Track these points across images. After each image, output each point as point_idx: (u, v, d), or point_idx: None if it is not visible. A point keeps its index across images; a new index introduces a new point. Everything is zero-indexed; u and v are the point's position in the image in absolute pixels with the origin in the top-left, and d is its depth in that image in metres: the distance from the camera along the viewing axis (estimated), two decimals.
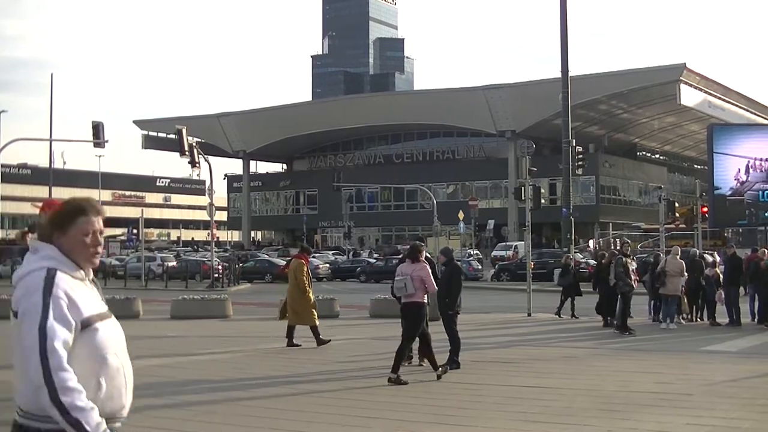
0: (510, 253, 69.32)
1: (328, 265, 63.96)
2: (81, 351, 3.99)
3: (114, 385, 4.08)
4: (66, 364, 3.88)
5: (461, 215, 69.07)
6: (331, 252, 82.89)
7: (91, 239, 4.20)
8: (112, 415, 4.10)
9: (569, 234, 47.80)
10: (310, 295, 19.70)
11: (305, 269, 19.75)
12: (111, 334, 4.16)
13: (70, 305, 3.99)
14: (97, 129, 42.91)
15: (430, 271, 15.22)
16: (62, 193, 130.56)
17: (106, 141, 43.48)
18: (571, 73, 49.62)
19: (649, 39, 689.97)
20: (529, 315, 28.45)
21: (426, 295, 15.03)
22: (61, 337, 3.91)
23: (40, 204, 9.11)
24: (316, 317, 19.64)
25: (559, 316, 28.15)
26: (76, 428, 3.84)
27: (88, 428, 3.83)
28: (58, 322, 3.92)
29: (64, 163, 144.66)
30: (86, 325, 4.02)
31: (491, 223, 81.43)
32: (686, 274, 25.67)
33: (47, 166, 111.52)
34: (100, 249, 4.26)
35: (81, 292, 4.11)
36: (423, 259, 15.44)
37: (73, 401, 3.84)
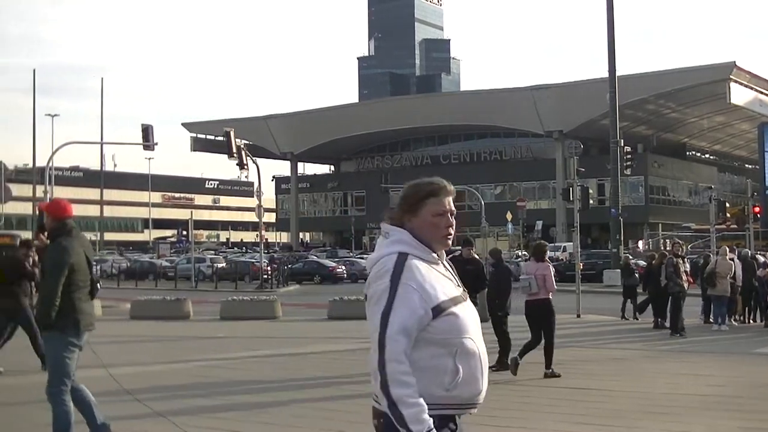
0: (561, 254, 68.85)
1: None
2: (436, 336, 3.89)
3: (470, 369, 3.99)
4: (403, 356, 3.80)
5: (509, 216, 68.89)
6: None
7: (442, 220, 4.11)
8: (469, 401, 4.05)
9: (618, 235, 47.57)
10: None
11: None
12: (466, 317, 4.02)
13: (421, 291, 3.88)
14: (147, 132, 43.28)
15: (552, 270, 15.51)
16: (113, 195, 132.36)
17: (156, 143, 43.82)
18: (618, 73, 49.42)
19: (698, 37, 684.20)
20: (578, 316, 28.33)
21: (550, 294, 15.42)
22: (405, 324, 3.82)
23: (45, 203, 9.18)
24: None
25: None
26: (398, 422, 3.78)
27: (410, 426, 3.75)
28: (403, 309, 3.84)
29: (115, 165, 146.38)
30: (440, 311, 3.91)
31: (539, 224, 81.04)
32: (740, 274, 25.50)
33: (98, 168, 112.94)
34: (452, 230, 4.14)
35: (434, 276, 3.99)
36: (547, 258, 15.73)
37: (401, 394, 3.77)
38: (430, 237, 4.08)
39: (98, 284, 9.24)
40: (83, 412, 8.78)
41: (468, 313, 4.05)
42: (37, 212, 36.21)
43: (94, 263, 9.36)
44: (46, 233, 9.18)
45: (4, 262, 15.90)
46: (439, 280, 4.01)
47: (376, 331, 3.87)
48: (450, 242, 4.17)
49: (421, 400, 3.79)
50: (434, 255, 4.08)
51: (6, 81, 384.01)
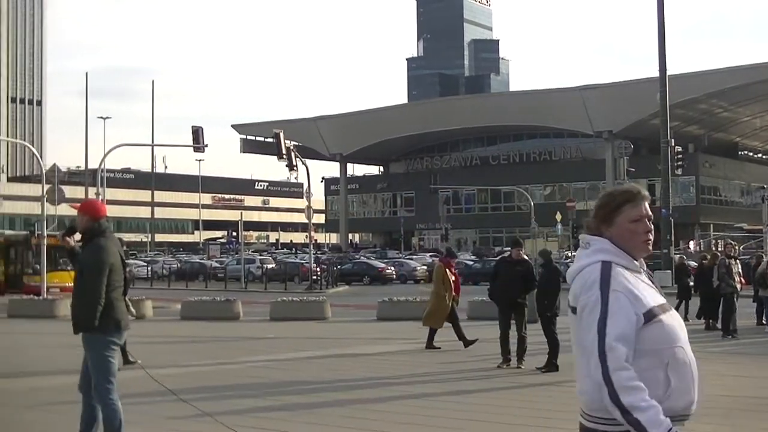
0: None
1: (425, 267, 63.98)
2: (646, 345, 3.81)
3: (682, 379, 3.88)
4: (625, 362, 3.73)
5: (559, 217, 68.60)
6: (428, 254, 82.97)
7: (640, 226, 4.03)
8: (682, 412, 3.94)
9: (669, 235, 47.20)
10: (446, 299, 19.51)
11: (442, 273, 19.69)
12: (675, 325, 3.93)
13: (632, 297, 3.83)
14: (197, 134, 43.49)
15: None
16: (164, 197, 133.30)
17: (206, 145, 44.02)
18: (668, 72, 49.03)
19: (749, 35, 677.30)
20: None
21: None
22: (622, 332, 3.76)
23: (80, 204, 9.12)
24: (439, 322, 19.47)
25: (687, 320, 27.54)
26: (636, 428, 3.71)
27: (650, 430, 3.68)
28: (618, 316, 3.77)
29: (166, 167, 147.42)
30: (650, 318, 3.83)
31: None
32: None
33: (149, 170, 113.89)
34: (651, 235, 4.06)
35: (639, 283, 3.94)
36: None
37: (632, 401, 3.70)
38: (630, 244, 4.02)
39: (130, 283, 9.15)
40: (85, 424, 8.68)
41: (676, 322, 3.97)
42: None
43: (142, 264, 9.28)
44: (75, 235, 9.12)
45: None
46: (646, 287, 3.96)
47: (593, 343, 3.79)
48: (650, 248, 4.10)
49: (654, 402, 3.73)
50: (636, 263, 4.03)
51: (59, 85, 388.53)
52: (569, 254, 69.01)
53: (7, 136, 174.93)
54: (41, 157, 45.00)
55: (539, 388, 14.03)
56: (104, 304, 8.45)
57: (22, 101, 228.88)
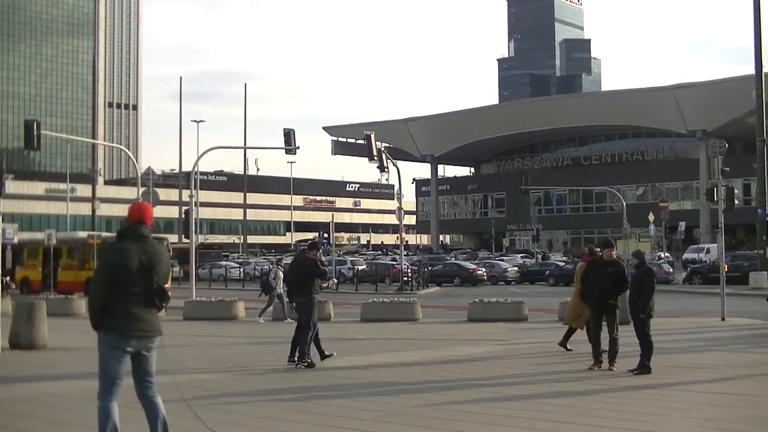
0: (705, 256, 67.30)
1: (516, 268, 63.77)
2: None
3: None
4: None
5: (651, 217, 67.83)
6: (519, 255, 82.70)
7: None
8: None
9: (765, 236, 46.42)
10: None
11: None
12: None
13: None
14: (289, 136, 43.78)
15: None
16: (256, 199, 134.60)
17: (297, 148, 44.30)
18: (765, 69, 48.22)
19: None
20: (723, 319, 27.70)
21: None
22: None
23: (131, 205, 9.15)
24: (583, 322, 19.31)
25: None
26: None
27: None
28: None
29: (258, 169, 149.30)
30: None
31: (682, 225, 79.63)
32: None
33: (242, 172, 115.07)
34: None
35: None
36: None
37: None
38: None
39: (165, 295, 8.69)
40: (151, 424, 8.60)
41: None
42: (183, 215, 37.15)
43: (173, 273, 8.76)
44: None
45: (302, 262, 17.24)
46: None
47: None
48: None
49: None
50: None
51: (155, 89, 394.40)
52: (662, 255, 68.26)
53: (104, 140, 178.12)
54: (137, 161, 45.88)
55: (631, 390, 13.92)
56: (110, 306, 8.33)
57: (119, 106, 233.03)
